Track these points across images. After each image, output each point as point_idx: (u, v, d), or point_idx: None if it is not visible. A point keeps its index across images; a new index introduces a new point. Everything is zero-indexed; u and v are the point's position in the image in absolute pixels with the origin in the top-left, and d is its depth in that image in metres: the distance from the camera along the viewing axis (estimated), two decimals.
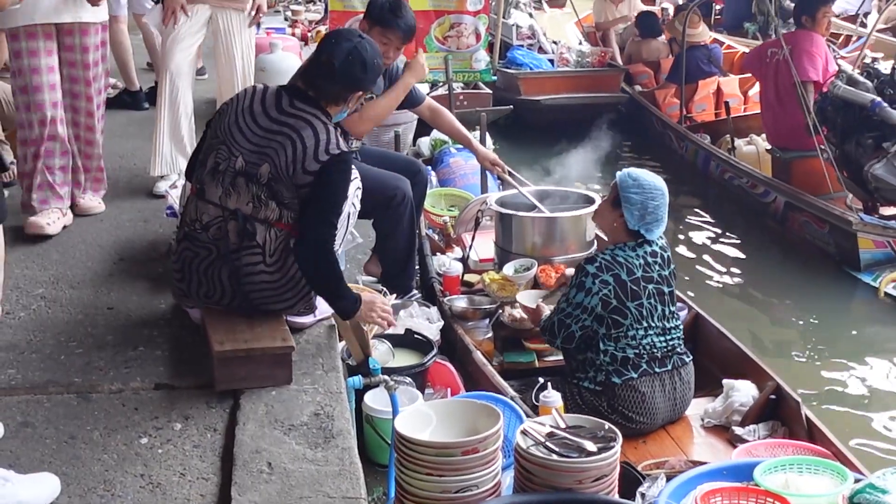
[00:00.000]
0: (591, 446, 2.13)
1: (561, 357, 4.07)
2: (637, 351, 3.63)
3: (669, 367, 3.71)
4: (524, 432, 2.19)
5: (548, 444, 2.15)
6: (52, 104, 4.26)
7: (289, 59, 5.91)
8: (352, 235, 4.71)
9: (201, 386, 3.07)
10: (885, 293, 5.90)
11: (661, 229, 3.73)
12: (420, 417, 2.23)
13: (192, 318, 3.45)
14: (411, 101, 4.95)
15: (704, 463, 3.18)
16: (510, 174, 5.11)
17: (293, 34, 9.39)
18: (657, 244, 3.75)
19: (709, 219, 7.73)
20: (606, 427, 2.19)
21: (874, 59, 6.67)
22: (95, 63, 4.41)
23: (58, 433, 2.79)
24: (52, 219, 4.31)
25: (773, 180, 7.13)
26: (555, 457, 2.09)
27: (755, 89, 8.42)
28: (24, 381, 3.06)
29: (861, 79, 6.31)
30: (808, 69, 6.71)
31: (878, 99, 6.14)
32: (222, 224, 3.17)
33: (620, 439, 2.15)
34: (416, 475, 2.09)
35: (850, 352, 5.39)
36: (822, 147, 6.32)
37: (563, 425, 2.23)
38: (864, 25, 11.19)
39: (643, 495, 2.88)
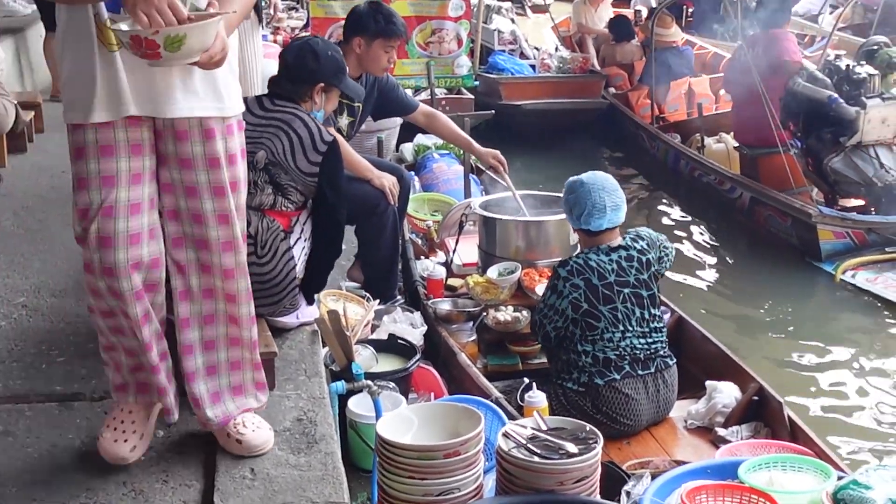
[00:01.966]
0: (572, 448, 2.13)
1: (545, 360, 4.12)
2: (618, 353, 3.65)
3: (652, 370, 3.73)
4: (506, 435, 2.19)
5: (529, 446, 2.15)
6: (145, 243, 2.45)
7: (271, 66, 5.88)
8: None
9: (185, 393, 3.05)
10: (841, 279, 6.07)
11: (605, 219, 3.73)
12: (402, 421, 2.23)
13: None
14: (404, 109, 4.99)
15: (688, 463, 3.19)
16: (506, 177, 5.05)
17: (275, 41, 9.36)
18: (634, 247, 3.78)
19: (680, 215, 7.92)
20: (588, 429, 2.20)
21: (837, 56, 6.78)
22: (233, 184, 2.51)
23: (39, 442, 2.77)
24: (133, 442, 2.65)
25: (739, 177, 7.33)
26: (536, 459, 2.09)
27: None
28: (5, 391, 3.04)
29: (821, 76, 6.48)
30: (793, 52, 6.95)
31: (835, 95, 6.31)
32: None
33: (601, 441, 2.15)
34: (398, 479, 2.09)
35: (816, 342, 5.51)
36: (790, 143, 6.51)
37: (544, 427, 2.23)
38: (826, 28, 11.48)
39: (628, 494, 2.90)
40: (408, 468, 2.07)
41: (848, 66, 6.46)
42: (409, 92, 5.38)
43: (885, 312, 5.67)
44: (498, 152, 5.00)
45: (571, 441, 2.16)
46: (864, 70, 6.41)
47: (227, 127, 2.50)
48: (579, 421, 2.30)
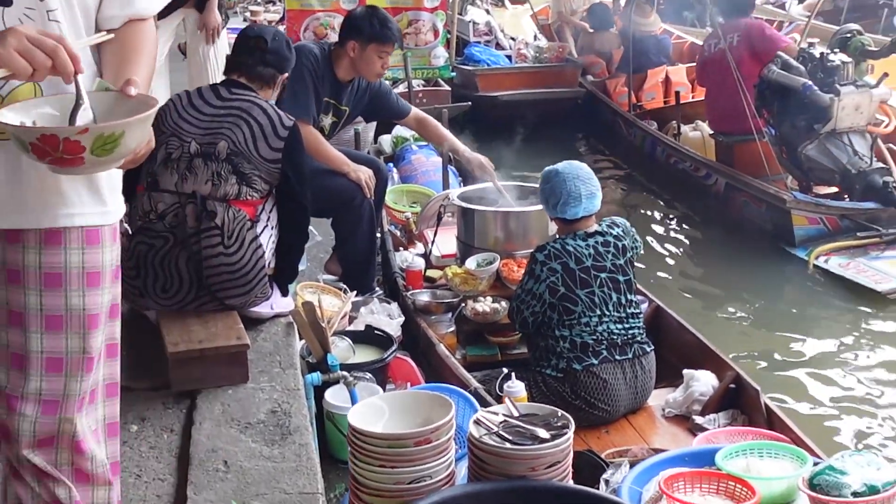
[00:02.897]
0: (543, 434, 2.12)
1: (524, 350, 4.11)
2: (595, 337, 3.66)
3: (630, 356, 3.73)
4: (477, 422, 2.18)
5: (501, 432, 2.14)
6: None
7: None
8: (310, 233, 4.70)
9: (158, 388, 3.04)
10: (814, 265, 6.06)
11: (580, 207, 3.75)
12: (373, 410, 2.21)
13: (150, 319, 3.42)
14: (397, 115, 5.02)
15: (666, 451, 3.19)
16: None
17: None
18: (610, 233, 3.79)
19: (656, 202, 7.93)
20: (559, 414, 2.19)
21: (810, 44, 6.78)
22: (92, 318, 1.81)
23: None
24: None
25: (714, 163, 7.33)
26: (507, 445, 2.09)
27: None
28: None
29: (795, 63, 6.47)
30: (778, 38, 7.02)
31: (809, 82, 6.29)
32: (179, 210, 3.21)
33: (573, 426, 2.15)
34: (369, 467, 2.08)
35: (791, 328, 5.50)
36: (764, 131, 6.49)
37: (516, 414, 2.23)
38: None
39: (607, 482, 2.90)
40: (378, 457, 2.06)
41: (822, 53, 6.46)
42: (387, 83, 5.37)
43: (858, 298, 5.67)
44: (485, 159, 5.02)
45: (543, 427, 2.15)
46: (838, 58, 6.41)
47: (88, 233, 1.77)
48: (551, 407, 2.30)
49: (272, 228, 3.40)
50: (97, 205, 1.76)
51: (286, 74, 3.59)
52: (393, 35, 4.56)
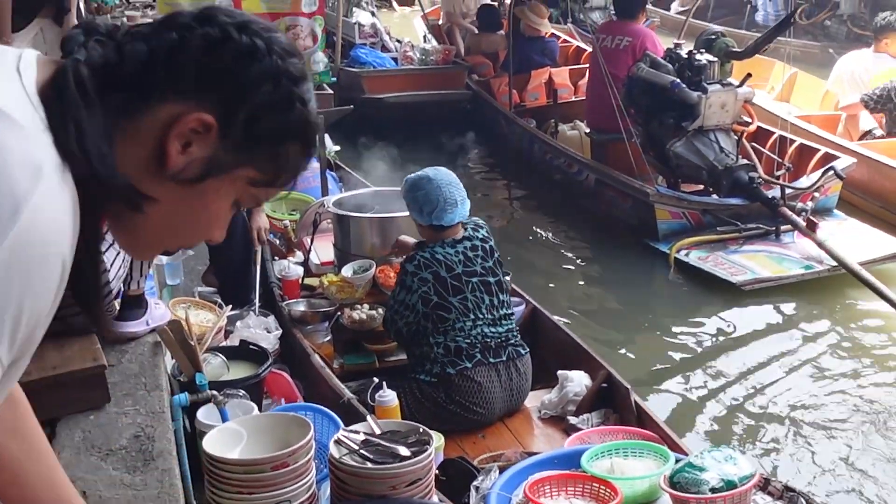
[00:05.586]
0: (404, 451, 2.13)
1: (402, 357, 4.12)
2: (469, 341, 3.69)
3: (504, 358, 3.77)
4: (338, 442, 2.17)
5: (362, 451, 2.14)
6: None
7: None
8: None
9: None
10: (675, 259, 6.17)
11: (456, 213, 3.77)
12: (230, 435, 2.18)
13: None
14: None
15: (538, 453, 3.23)
16: None
17: None
18: (477, 237, 3.83)
19: (534, 200, 8.06)
20: (421, 430, 2.20)
21: (676, 45, 6.98)
22: None
23: None
24: None
25: (585, 159, 7.46)
26: (368, 465, 2.08)
27: (585, 79, 8.71)
28: None
29: (663, 62, 6.64)
30: (659, 51, 7.13)
31: (677, 80, 6.48)
32: None
33: (435, 441, 2.16)
34: (227, 495, 2.05)
35: (657, 323, 5.64)
36: (632, 130, 6.62)
37: (377, 431, 2.22)
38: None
39: (477, 488, 2.91)
40: (235, 483, 2.03)
41: (690, 52, 6.66)
42: None
43: (718, 292, 5.82)
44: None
45: (404, 444, 2.16)
46: (704, 57, 6.61)
47: None
48: (413, 423, 2.30)
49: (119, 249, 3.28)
50: None
51: None
52: None
